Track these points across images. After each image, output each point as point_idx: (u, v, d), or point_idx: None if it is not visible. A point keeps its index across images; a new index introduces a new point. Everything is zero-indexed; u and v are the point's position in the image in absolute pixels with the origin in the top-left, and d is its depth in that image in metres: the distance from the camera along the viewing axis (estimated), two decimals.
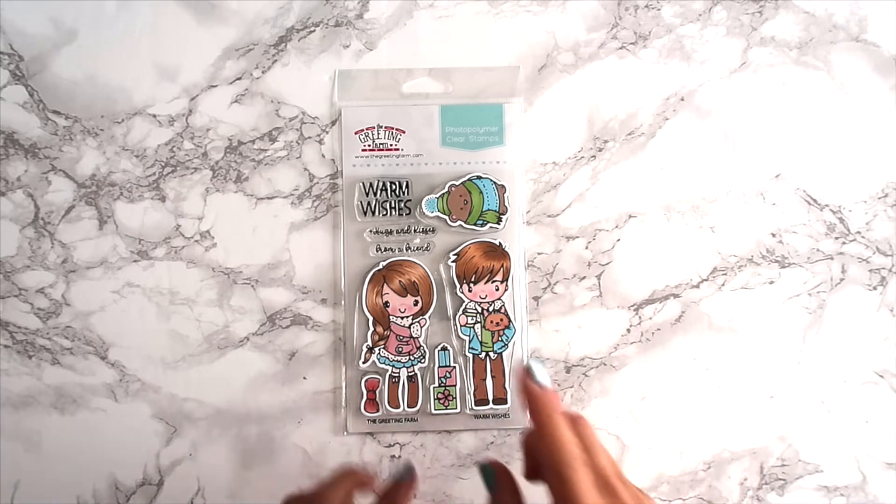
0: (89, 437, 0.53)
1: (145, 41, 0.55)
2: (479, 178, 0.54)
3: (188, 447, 0.53)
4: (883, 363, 0.55)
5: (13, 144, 0.54)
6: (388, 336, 0.53)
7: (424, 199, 0.53)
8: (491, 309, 0.53)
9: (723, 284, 0.55)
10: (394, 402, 0.52)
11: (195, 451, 0.53)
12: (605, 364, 0.54)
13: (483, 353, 0.53)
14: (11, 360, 0.53)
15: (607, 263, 0.55)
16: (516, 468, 0.53)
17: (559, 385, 0.54)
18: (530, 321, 0.54)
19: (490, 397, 0.53)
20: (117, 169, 0.54)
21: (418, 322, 0.53)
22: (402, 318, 0.53)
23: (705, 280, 0.55)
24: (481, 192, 0.54)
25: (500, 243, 0.54)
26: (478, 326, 0.53)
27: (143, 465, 0.53)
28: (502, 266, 0.53)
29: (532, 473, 0.39)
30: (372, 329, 0.53)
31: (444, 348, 0.53)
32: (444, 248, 0.54)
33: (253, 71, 0.55)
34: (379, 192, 0.54)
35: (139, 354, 0.53)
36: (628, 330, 0.55)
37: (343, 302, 0.54)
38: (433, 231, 0.54)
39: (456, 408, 0.53)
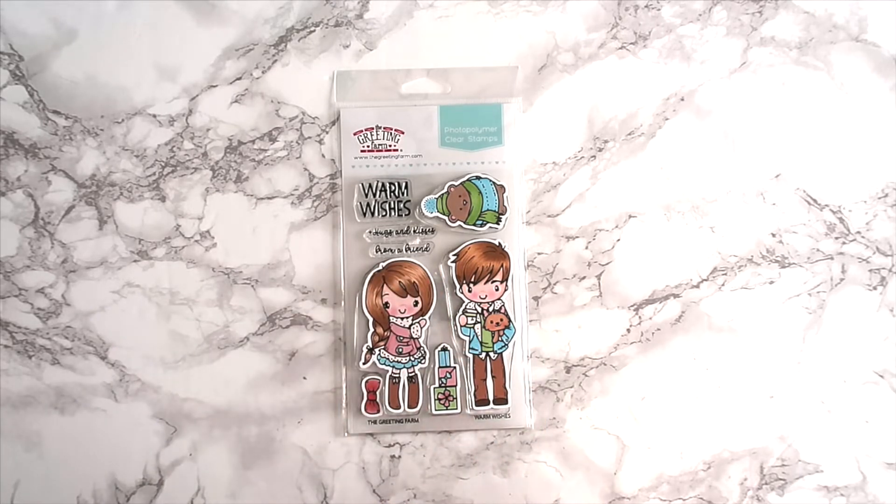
0: (89, 437, 0.53)
1: (145, 41, 0.55)
2: (478, 178, 0.54)
3: (188, 447, 0.53)
4: (883, 363, 0.55)
5: (13, 144, 0.54)
6: (389, 337, 0.53)
7: (424, 200, 0.53)
8: (491, 309, 0.53)
9: (723, 284, 0.55)
10: (394, 403, 0.52)
11: (195, 451, 0.53)
12: (605, 364, 0.54)
13: (483, 354, 0.53)
14: (11, 360, 0.53)
15: (607, 263, 0.55)
16: (515, 468, 0.54)
17: (559, 385, 0.54)
18: (530, 321, 0.54)
19: (490, 397, 0.53)
20: (117, 169, 0.54)
21: (418, 322, 0.53)
22: (402, 318, 0.53)
23: (705, 280, 0.55)
24: (480, 193, 0.54)
25: (499, 243, 0.54)
26: (478, 327, 0.53)
27: (143, 465, 0.53)
28: (502, 266, 0.53)
29: None
30: (372, 330, 0.53)
31: (444, 349, 0.53)
32: (443, 248, 0.54)
33: (253, 71, 0.55)
34: (378, 192, 0.54)
35: (139, 354, 0.54)
36: (628, 330, 0.55)
37: (343, 303, 0.54)
38: (432, 231, 0.54)
39: (456, 408, 0.53)
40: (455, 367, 0.53)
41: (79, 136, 0.54)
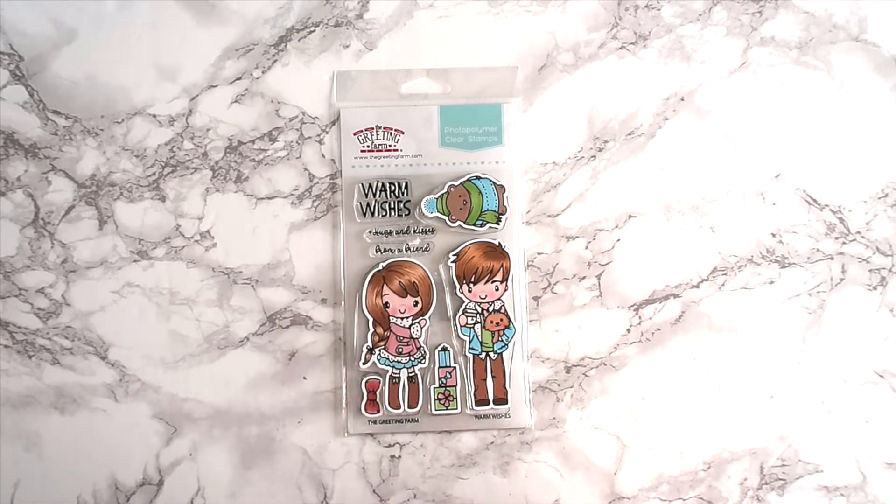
0: (89, 437, 0.53)
1: (145, 41, 0.55)
2: (478, 178, 0.54)
3: (188, 447, 0.53)
4: (883, 363, 0.55)
5: (13, 144, 0.54)
6: (389, 337, 0.53)
7: (424, 200, 0.53)
8: (491, 309, 0.53)
9: (723, 284, 0.55)
10: (394, 403, 0.52)
11: (195, 451, 0.53)
12: (605, 364, 0.54)
13: (483, 354, 0.53)
14: (11, 360, 0.53)
15: (607, 263, 0.55)
16: (515, 468, 0.54)
17: (559, 385, 0.54)
18: (530, 321, 0.54)
19: (491, 397, 0.53)
20: (117, 169, 0.54)
21: (418, 322, 0.53)
22: (402, 318, 0.53)
23: (705, 280, 0.55)
24: (480, 193, 0.54)
25: (499, 243, 0.54)
26: (478, 326, 0.53)
27: (143, 465, 0.53)
28: (502, 266, 0.53)
29: None
30: (372, 330, 0.53)
31: (444, 349, 0.53)
32: (443, 248, 0.54)
33: (253, 71, 0.55)
34: (378, 192, 0.54)
35: (139, 354, 0.54)
36: (628, 330, 0.55)
37: (343, 303, 0.54)
38: (432, 231, 0.54)
39: (457, 408, 0.53)
40: (455, 367, 0.53)
41: (79, 136, 0.54)
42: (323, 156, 0.55)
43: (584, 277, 0.55)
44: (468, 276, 0.53)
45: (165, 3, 0.55)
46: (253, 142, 0.55)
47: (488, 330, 0.53)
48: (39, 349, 0.53)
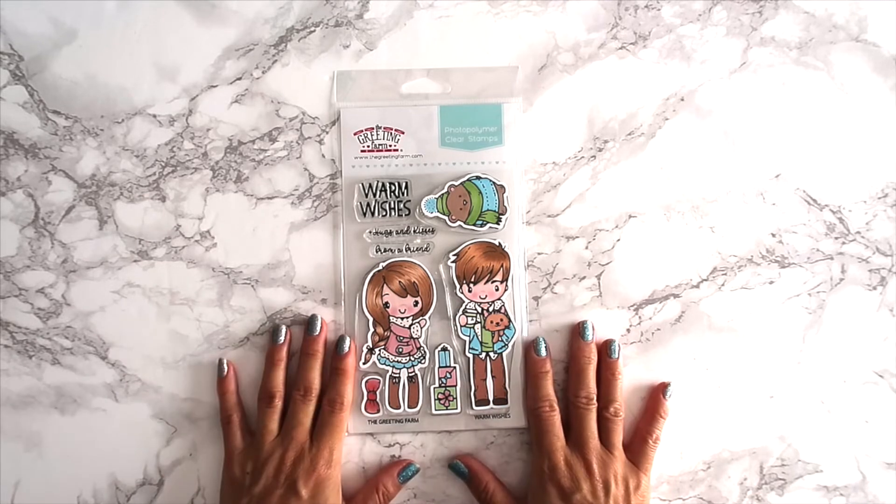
0: (89, 437, 0.53)
1: (145, 41, 0.55)
2: (478, 178, 0.54)
3: (188, 447, 0.53)
4: (883, 363, 0.55)
5: (13, 144, 0.54)
6: (389, 337, 0.53)
7: (424, 200, 0.53)
8: (491, 309, 0.53)
9: (723, 284, 0.55)
10: (394, 403, 0.53)
11: (195, 451, 0.53)
12: None
13: (483, 354, 0.53)
14: (11, 360, 0.53)
15: (607, 263, 0.55)
16: (515, 468, 0.54)
17: (559, 385, 0.54)
18: (530, 321, 0.54)
19: (490, 397, 0.53)
20: (117, 169, 0.54)
21: (418, 322, 0.53)
22: (402, 318, 0.53)
23: (705, 280, 0.55)
24: (481, 193, 0.54)
25: (499, 243, 0.54)
26: (478, 326, 0.53)
27: (143, 465, 0.53)
28: (502, 266, 0.53)
29: None
30: (372, 330, 0.53)
31: (444, 349, 0.53)
32: (443, 248, 0.54)
33: (253, 71, 0.55)
34: (378, 192, 0.54)
35: (139, 354, 0.54)
36: (628, 330, 0.55)
37: (343, 303, 0.54)
38: (433, 231, 0.54)
39: (456, 408, 0.53)
40: (455, 367, 0.53)
41: (79, 136, 0.54)
42: (323, 156, 0.55)
43: (584, 277, 0.55)
44: (468, 276, 0.53)
45: (165, 3, 0.55)
46: (253, 142, 0.55)
47: (488, 330, 0.53)
48: (39, 349, 0.53)
